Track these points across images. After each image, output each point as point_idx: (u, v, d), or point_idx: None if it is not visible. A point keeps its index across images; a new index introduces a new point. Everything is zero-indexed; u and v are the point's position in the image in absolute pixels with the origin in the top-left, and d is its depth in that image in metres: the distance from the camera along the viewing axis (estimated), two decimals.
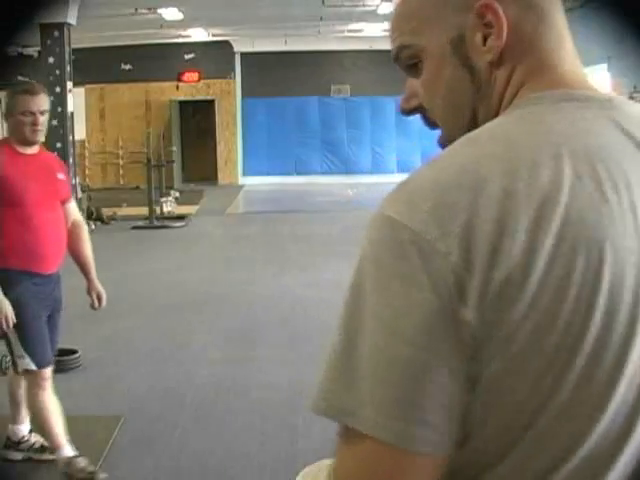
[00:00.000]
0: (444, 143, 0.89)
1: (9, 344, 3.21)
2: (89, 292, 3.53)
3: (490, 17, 0.80)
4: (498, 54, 0.81)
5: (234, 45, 16.90)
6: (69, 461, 3.23)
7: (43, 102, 3.16)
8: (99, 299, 3.54)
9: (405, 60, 0.89)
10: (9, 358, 4.74)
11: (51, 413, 3.23)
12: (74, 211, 3.51)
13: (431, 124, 0.91)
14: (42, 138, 3.21)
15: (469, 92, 0.84)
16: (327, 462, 2.82)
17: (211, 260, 8.65)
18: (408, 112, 0.92)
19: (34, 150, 3.23)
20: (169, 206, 12.25)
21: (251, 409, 4.13)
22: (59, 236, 3.27)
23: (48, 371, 3.26)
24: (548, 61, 0.83)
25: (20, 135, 3.15)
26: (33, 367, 3.19)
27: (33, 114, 3.11)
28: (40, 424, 3.28)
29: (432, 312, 0.69)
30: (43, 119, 3.15)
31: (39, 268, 3.19)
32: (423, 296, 0.69)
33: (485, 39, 0.82)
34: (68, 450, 3.24)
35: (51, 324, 3.32)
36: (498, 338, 0.69)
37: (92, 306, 3.58)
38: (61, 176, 3.35)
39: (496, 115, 0.83)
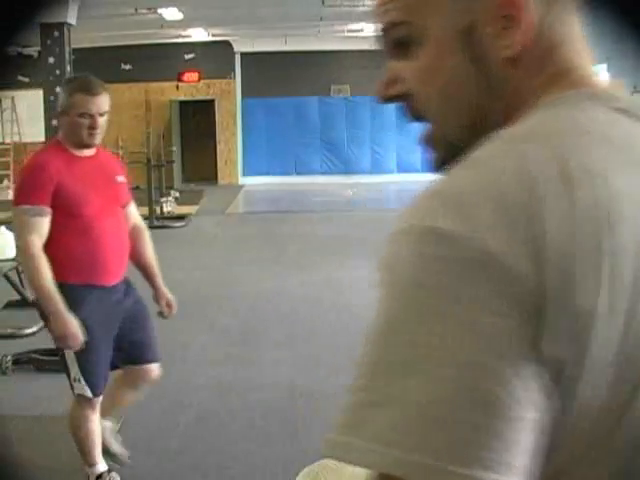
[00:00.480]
0: (430, 140, 0.79)
1: (65, 365, 2.93)
2: (157, 299, 3.25)
3: (513, 9, 0.71)
4: (518, 51, 0.72)
5: (234, 45, 16.90)
6: (103, 476, 3.14)
7: (103, 103, 2.84)
8: (169, 306, 3.26)
9: (394, 40, 0.76)
10: (9, 357, 4.77)
11: (96, 435, 3.06)
12: (134, 215, 3.22)
13: (414, 116, 0.78)
14: (99, 141, 2.91)
15: (475, 88, 0.73)
16: (327, 462, 2.82)
17: (211, 260, 8.65)
18: (388, 99, 0.79)
19: (91, 152, 2.95)
20: (169, 206, 12.25)
21: (251, 409, 4.13)
22: (121, 244, 3.03)
23: (100, 398, 3.02)
24: (570, 63, 0.74)
25: (76, 138, 2.86)
26: (88, 394, 2.93)
27: (92, 116, 2.81)
28: (81, 442, 3.08)
29: (516, 342, 0.58)
30: (102, 121, 2.85)
31: (101, 280, 2.93)
32: (505, 323, 0.58)
33: (503, 33, 0.72)
34: (103, 466, 3.16)
35: (134, 327, 3.08)
36: (570, 378, 0.59)
37: (161, 314, 3.25)
38: (121, 179, 3.07)
39: (510, 116, 0.72)
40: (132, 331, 3.08)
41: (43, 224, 2.78)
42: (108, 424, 3.29)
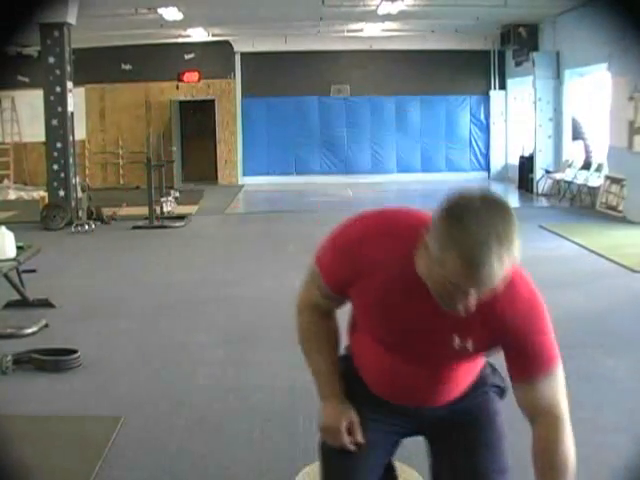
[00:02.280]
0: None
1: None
2: None
3: None
4: None
5: (234, 45, 16.89)
6: None
7: (490, 279, 1.64)
8: None
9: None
10: (9, 357, 4.77)
11: None
12: (542, 398, 1.81)
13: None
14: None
15: None
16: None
17: (211, 260, 8.65)
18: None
19: None
20: (169, 206, 12.24)
21: (251, 410, 4.13)
22: (429, 388, 1.97)
23: None
24: None
25: (432, 291, 1.75)
26: None
27: (464, 292, 1.68)
28: None
29: None
30: (480, 297, 1.70)
31: (396, 402, 2.04)
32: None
33: None
34: None
35: (455, 445, 2.01)
36: None
37: None
38: (467, 346, 1.85)
39: None
40: (452, 451, 2.03)
41: (323, 302, 2.00)
42: None
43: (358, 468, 2.00)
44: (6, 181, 16.57)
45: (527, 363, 1.80)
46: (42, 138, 11.89)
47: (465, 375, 1.99)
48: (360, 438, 1.97)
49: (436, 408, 2.02)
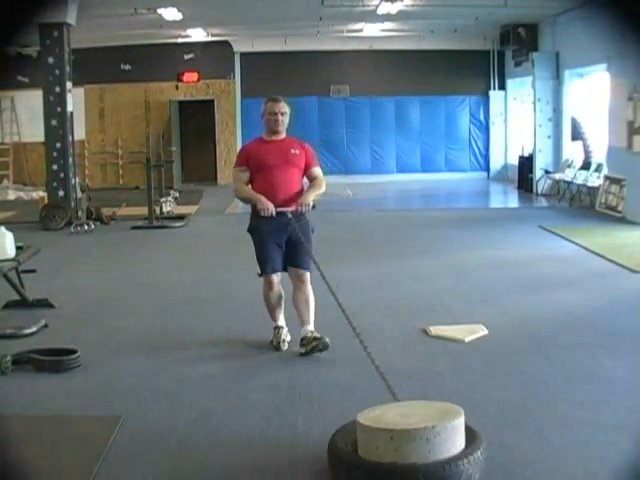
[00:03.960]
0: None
1: None
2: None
3: None
4: None
5: (233, 45, 16.90)
6: (275, 331, 5.14)
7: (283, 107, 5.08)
8: (301, 205, 4.99)
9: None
10: (9, 357, 4.78)
11: (271, 300, 5.15)
12: (316, 172, 5.17)
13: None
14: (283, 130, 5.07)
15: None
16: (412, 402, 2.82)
17: (210, 260, 8.65)
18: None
19: (278, 137, 5.06)
20: (168, 206, 12.24)
21: (251, 409, 4.13)
22: (288, 187, 5.01)
23: (270, 276, 5.08)
24: None
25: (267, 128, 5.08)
26: (259, 271, 5.13)
27: (275, 114, 5.00)
28: (265, 305, 5.19)
29: None
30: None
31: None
32: None
33: None
34: (280, 322, 5.17)
35: (290, 247, 5.03)
36: None
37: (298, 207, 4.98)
38: (294, 151, 5.02)
39: None
40: (292, 244, 5.02)
41: (244, 175, 5.04)
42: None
43: (273, 247, 5.07)
44: (5, 181, 16.57)
45: (309, 158, 5.16)
46: (41, 138, 11.89)
47: (298, 184, 5.11)
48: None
49: (293, 222, 4.92)
